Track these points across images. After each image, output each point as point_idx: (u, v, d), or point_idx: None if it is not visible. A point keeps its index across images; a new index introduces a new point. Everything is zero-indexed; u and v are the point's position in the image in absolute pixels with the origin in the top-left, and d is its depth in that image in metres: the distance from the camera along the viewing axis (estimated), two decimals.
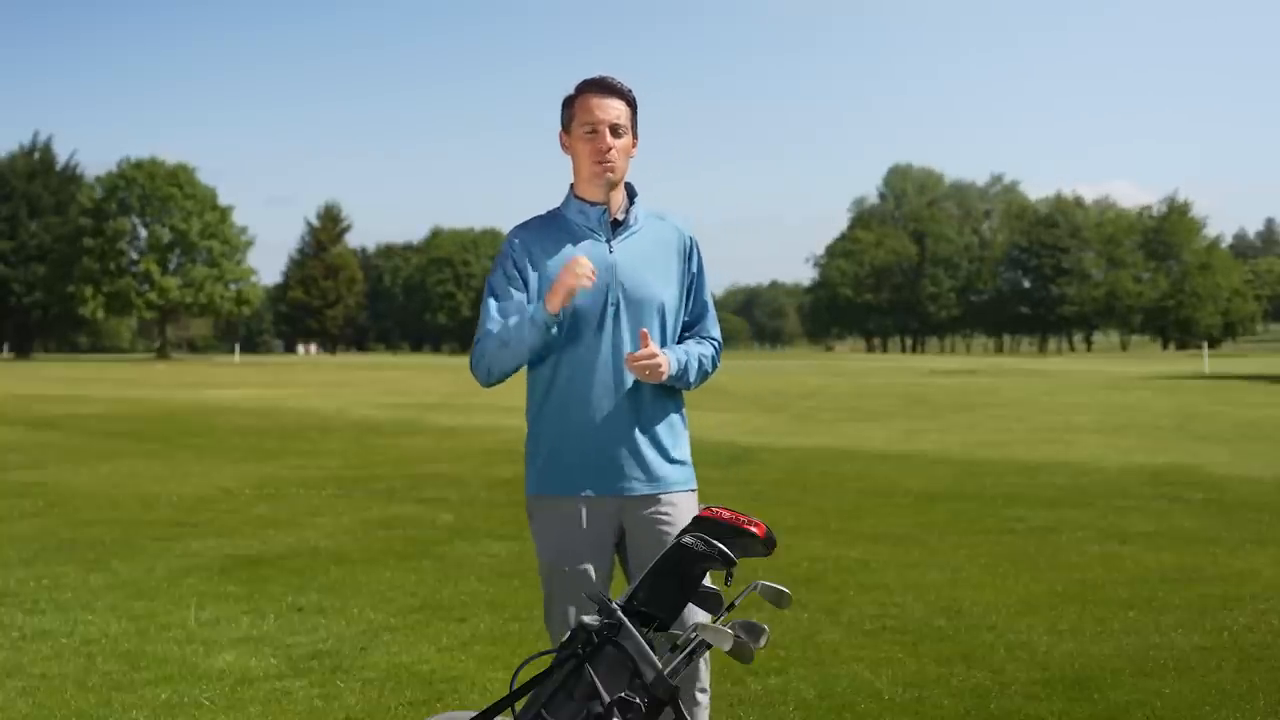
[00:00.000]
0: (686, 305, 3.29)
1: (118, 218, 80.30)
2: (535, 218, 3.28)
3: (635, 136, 3.24)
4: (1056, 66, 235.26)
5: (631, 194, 3.27)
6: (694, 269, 3.29)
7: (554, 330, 3.08)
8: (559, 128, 3.24)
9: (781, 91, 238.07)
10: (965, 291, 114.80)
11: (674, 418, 3.24)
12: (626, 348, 3.13)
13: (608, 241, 3.19)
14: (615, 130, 3.15)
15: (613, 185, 3.19)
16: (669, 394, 3.23)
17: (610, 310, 3.14)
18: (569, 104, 3.21)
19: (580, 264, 3.01)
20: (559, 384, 3.16)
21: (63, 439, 16.84)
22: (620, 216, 3.23)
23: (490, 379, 3.18)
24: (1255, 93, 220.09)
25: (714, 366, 3.31)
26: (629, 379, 3.13)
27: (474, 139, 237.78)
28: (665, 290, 3.22)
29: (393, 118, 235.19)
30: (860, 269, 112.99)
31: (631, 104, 3.21)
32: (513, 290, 3.17)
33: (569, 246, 3.17)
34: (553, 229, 3.22)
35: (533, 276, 3.17)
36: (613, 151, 3.14)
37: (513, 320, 3.10)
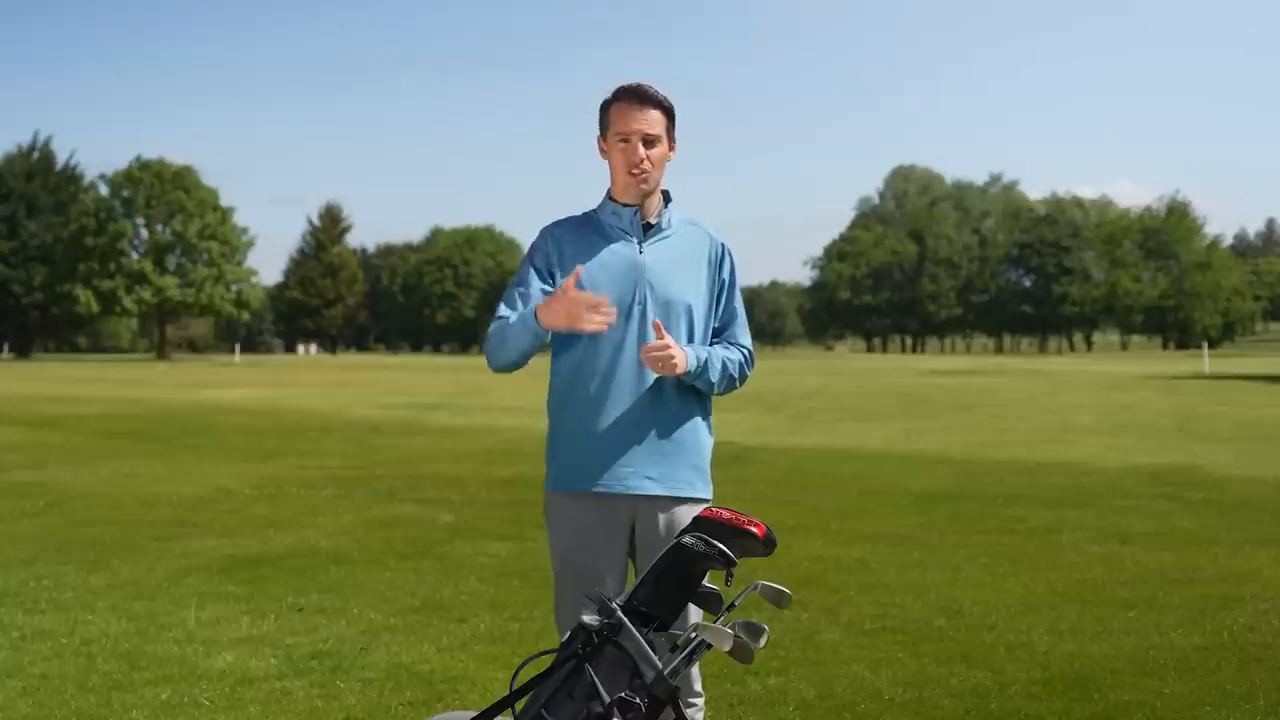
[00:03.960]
0: (716, 312, 3.28)
1: (119, 219, 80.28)
2: (571, 217, 3.29)
3: (673, 144, 3.24)
4: (1056, 67, 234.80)
5: (667, 199, 3.28)
6: (724, 276, 3.28)
7: (547, 339, 3.09)
8: (597, 132, 3.24)
9: (781, 91, 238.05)
10: (965, 291, 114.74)
11: (698, 423, 3.21)
12: None
13: (639, 243, 3.20)
14: (649, 140, 3.15)
15: (646, 194, 3.21)
16: (693, 399, 3.21)
17: (637, 310, 3.14)
18: (605, 110, 3.21)
19: (599, 310, 2.96)
20: (581, 381, 3.16)
21: (63, 439, 16.83)
22: (653, 220, 3.24)
23: (493, 367, 3.19)
24: (1255, 93, 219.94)
25: (742, 374, 3.25)
26: (651, 379, 3.13)
27: (474, 139, 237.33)
28: (693, 294, 3.21)
29: (393, 118, 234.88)
30: (858, 270, 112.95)
31: (668, 113, 3.20)
32: (537, 283, 3.18)
33: (601, 246, 3.18)
34: (587, 229, 3.23)
35: (559, 273, 3.18)
36: (645, 162, 3.15)
37: (514, 317, 3.10)
